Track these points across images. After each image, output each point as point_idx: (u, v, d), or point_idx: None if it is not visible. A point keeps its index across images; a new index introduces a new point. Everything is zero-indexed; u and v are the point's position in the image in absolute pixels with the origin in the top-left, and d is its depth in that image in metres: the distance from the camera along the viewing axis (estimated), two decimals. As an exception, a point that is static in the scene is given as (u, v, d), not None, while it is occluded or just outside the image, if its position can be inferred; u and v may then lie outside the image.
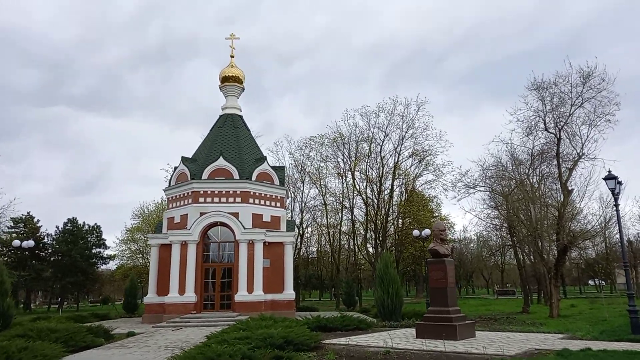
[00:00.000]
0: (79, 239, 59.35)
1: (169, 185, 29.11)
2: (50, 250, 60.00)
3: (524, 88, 27.15)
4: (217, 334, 13.80)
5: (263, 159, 29.43)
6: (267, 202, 28.45)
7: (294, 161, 43.55)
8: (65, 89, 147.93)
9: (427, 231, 31.13)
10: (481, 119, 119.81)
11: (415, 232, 31.82)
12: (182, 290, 25.45)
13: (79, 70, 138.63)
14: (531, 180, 31.97)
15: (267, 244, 27.14)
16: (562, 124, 26.32)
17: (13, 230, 59.11)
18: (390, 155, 38.88)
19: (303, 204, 44.64)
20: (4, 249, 56.06)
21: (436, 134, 37.96)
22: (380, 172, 38.61)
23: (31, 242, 28.54)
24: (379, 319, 21.37)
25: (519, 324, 20.76)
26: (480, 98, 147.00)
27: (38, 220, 61.65)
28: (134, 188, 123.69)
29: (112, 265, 66.56)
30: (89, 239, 62.47)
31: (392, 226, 42.98)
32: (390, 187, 39.07)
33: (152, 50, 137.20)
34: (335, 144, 40.64)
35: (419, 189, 42.76)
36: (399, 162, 38.72)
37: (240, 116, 31.90)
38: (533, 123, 26.80)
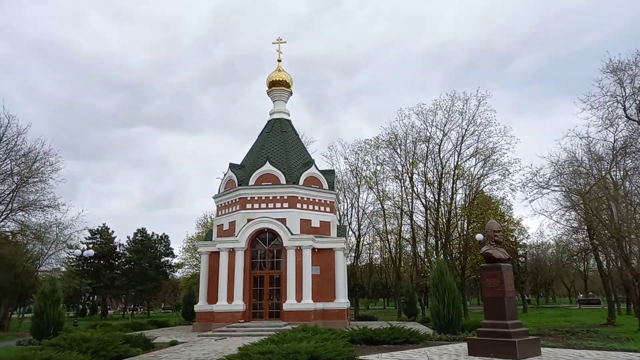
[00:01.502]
0: (148, 249, 61.91)
1: (218, 193, 28.87)
2: (122, 260, 63.08)
3: (598, 71, 23.97)
4: (245, 347, 12.79)
5: (311, 162, 28.41)
6: (316, 207, 27.34)
7: (349, 165, 42.26)
8: (143, 109, 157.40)
9: (479, 236, 28.55)
10: (554, 120, 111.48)
11: (479, 236, 29.30)
12: (230, 298, 24.90)
13: (155, 91, 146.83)
14: (614, 176, 28.41)
15: (316, 250, 25.99)
16: (646, 108, 22.94)
17: (90, 240, 62.82)
18: (451, 155, 36.44)
19: (360, 210, 43.17)
20: (76, 258, 59.69)
21: (500, 130, 34.99)
22: (440, 174, 36.22)
23: (91, 252, 29.43)
24: (435, 331, 19.46)
25: (600, 338, 18.01)
26: (551, 97, 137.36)
27: (112, 232, 64.89)
28: (206, 201, 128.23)
29: (180, 273, 69.11)
30: (158, 248, 65.04)
31: (456, 231, 40.25)
32: (451, 189, 36.53)
33: (219, 69, 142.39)
34: (391, 146, 38.83)
35: (485, 190, 39.67)
36: (460, 162, 36.13)
37: (289, 120, 31.21)
38: (610, 110, 23.56)
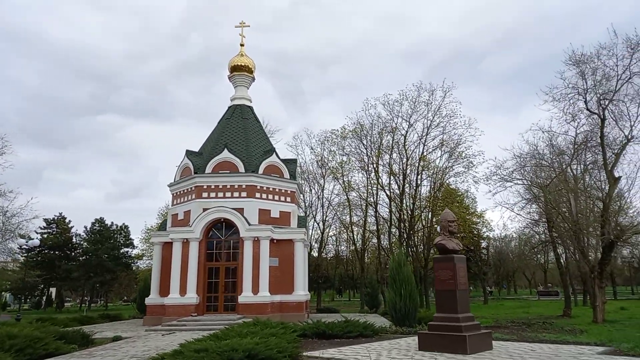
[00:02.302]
0: (106, 239, 59.62)
1: (174, 181, 27.59)
2: (79, 251, 60.56)
3: (561, 63, 23.87)
4: (184, 344, 11.87)
5: (271, 151, 27.45)
6: (276, 197, 26.46)
7: (315, 156, 41.48)
8: (115, 99, 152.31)
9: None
10: (524, 118, 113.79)
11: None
12: (183, 290, 23.85)
13: (128, 81, 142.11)
14: (574, 170, 28.64)
15: (275, 241, 25.16)
16: (606, 102, 22.95)
17: (45, 230, 60.12)
18: (416, 147, 36.12)
19: (326, 201, 42.53)
20: (25, 249, 57.04)
21: (465, 122, 34.86)
22: (404, 165, 35.87)
23: (36, 242, 27.86)
24: (392, 324, 19.01)
25: (555, 330, 17.92)
26: (524, 97, 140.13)
27: (70, 221, 62.32)
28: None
29: (142, 265, 66.99)
30: (117, 238, 62.79)
31: (420, 223, 40.14)
32: (416, 181, 36.26)
33: (195, 59, 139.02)
34: (357, 136, 38.21)
35: (450, 182, 39.62)
36: (425, 154, 35.85)
37: (250, 107, 30.06)
38: (571, 102, 23.52)
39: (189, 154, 26.79)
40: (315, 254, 46.37)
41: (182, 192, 26.69)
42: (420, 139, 35.65)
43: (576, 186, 26.36)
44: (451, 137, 35.14)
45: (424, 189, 38.98)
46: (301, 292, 25.54)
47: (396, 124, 35.94)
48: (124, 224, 64.08)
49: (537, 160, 28.36)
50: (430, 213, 39.40)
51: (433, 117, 34.94)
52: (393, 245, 40.82)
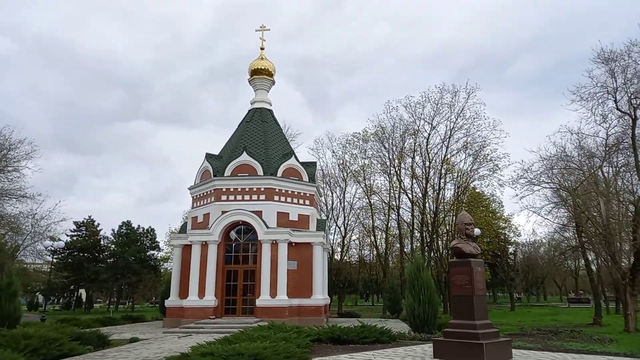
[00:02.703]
0: (133, 242, 60.62)
1: (194, 184, 27.74)
2: (106, 253, 61.80)
3: (589, 61, 22.89)
4: (195, 347, 11.75)
5: (290, 153, 27.30)
6: (294, 200, 26.27)
7: (337, 159, 41.18)
8: (144, 106, 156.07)
9: (477, 231, 27.57)
10: (554, 122, 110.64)
11: (477, 231, 28.29)
12: (201, 293, 23.86)
13: (156, 89, 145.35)
14: (605, 174, 27.52)
15: (293, 244, 24.95)
16: (637, 101, 21.92)
17: (75, 233, 61.65)
18: (439, 149, 35.42)
19: (347, 205, 42.15)
20: (54, 250, 58.54)
21: (489, 124, 34.01)
22: (427, 168, 35.19)
23: (61, 243, 28.37)
24: (411, 329, 18.49)
25: (583, 339, 17.03)
26: (553, 99, 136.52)
27: (98, 224, 63.67)
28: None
29: (167, 266, 67.87)
30: (144, 241, 63.80)
31: (444, 226, 39.30)
32: (438, 184, 35.51)
33: (221, 67, 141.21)
34: (379, 140, 37.73)
35: (474, 186, 38.68)
36: (448, 156, 35.11)
37: (270, 110, 30.02)
38: (600, 101, 22.54)
39: (208, 157, 26.91)
40: (338, 257, 46.04)
41: (201, 195, 26.81)
42: (443, 142, 34.97)
43: (607, 189, 25.29)
44: (475, 139, 34.36)
45: (448, 193, 38.23)
46: (319, 296, 25.23)
47: (418, 127, 35.39)
48: (150, 227, 65.04)
49: (566, 163, 27.36)
50: (454, 217, 38.55)
51: (456, 119, 34.28)
52: (415, 249, 40.11)
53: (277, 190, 25.54)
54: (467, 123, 34.11)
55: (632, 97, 21.92)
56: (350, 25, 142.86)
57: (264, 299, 23.52)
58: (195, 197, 27.59)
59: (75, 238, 60.78)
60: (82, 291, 69.97)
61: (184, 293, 24.96)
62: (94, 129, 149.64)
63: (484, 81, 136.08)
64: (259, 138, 27.61)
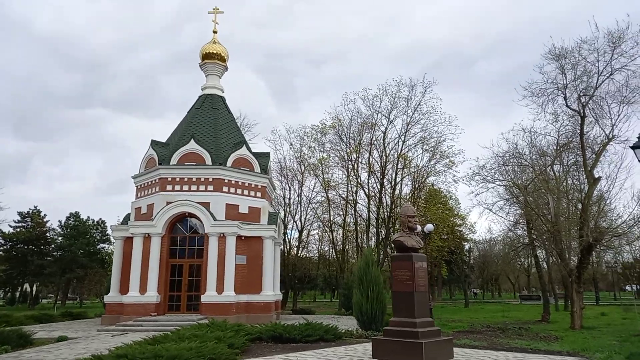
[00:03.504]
0: (81, 234, 57.77)
1: (138, 173, 26.23)
2: (53, 246, 58.73)
3: (540, 57, 22.90)
4: (116, 348, 10.66)
5: (241, 143, 26.17)
6: (245, 192, 25.22)
7: (294, 152, 40.28)
8: (102, 91, 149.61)
9: (429, 226, 27.37)
10: (512, 121, 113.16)
11: (429, 227, 28.05)
12: (143, 289, 22.52)
13: (116, 73, 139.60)
14: (556, 172, 27.88)
15: (242, 238, 23.92)
16: (586, 99, 22.06)
17: (20, 224, 58.35)
18: (395, 144, 35.12)
19: (305, 199, 41.36)
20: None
21: (445, 119, 33.94)
22: (384, 162, 34.83)
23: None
24: (359, 327, 17.92)
25: (530, 336, 16.97)
26: (514, 101, 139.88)
27: (45, 215, 60.53)
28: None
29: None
30: (93, 234, 60.99)
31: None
32: (394, 179, 35.26)
33: (186, 53, 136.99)
34: (336, 133, 37.09)
35: (430, 182, 38.71)
36: (404, 151, 34.85)
37: (222, 97, 28.71)
38: (550, 97, 22.61)
39: (154, 144, 25.45)
40: (295, 252, 45.22)
41: (146, 184, 25.36)
42: (399, 136, 34.68)
43: (557, 187, 25.55)
44: (431, 134, 34.24)
45: (405, 188, 38.07)
46: (269, 292, 24.33)
47: (375, 120, 34.95)
48: (100, 219, 62.28)
49: (518, 160, 27.55)
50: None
51: (413, 114, 34.01)
52: (365, 245, 39.75)
53: (226, 181, 24.42)
54: (424, 118, 33.99)
55: (581, 94, 22.05)
56: (322, 17, 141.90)
57: (209, 295, 22.43)
58: (139, 187, 26.09)
59: (18, 230, 57.59)
60: (28, 286, 66.43)
61: (125, 289, 23.54)
62: (48, 113, 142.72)
63: (450, 81, 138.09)
64: (209, 126, 26.33)
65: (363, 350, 12.15)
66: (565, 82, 21.88)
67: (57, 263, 55.95)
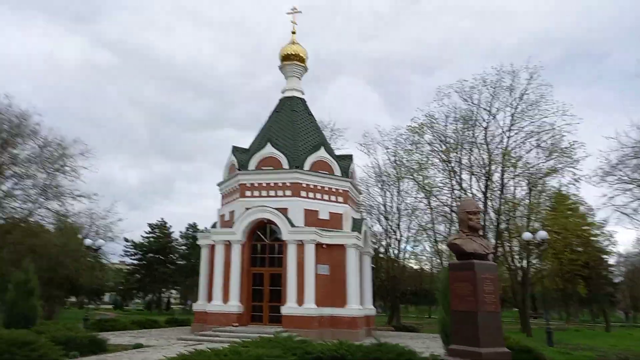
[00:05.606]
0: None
1: (222, 180, 26.31)
2: (176, 255, 63.62)
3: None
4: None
5: (319, 145, 24.80)
6: (325, 197, 23.75)
7: (390, 156, 37.89)
8: (229, 113, 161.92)
9: (542, 233, 23.28)
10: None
11: (527, 235, 24.02)
12: (225, 298, 22.17)
13: (240, 96, 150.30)
14: None
15: (324, 246, 22.45)
16: None
17: (150, 234, 64.11)
18: (500, 140, 30.94)
19: (402, 204, 38.69)
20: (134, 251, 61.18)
21: (558, 108, 29.01)
22: (488, 162, 30.79)
23: (101, 242, 28.36)
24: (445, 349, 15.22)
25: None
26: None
27: (170, 226, 65.72)
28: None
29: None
30: (210, 243, 64.58)
31: (516, 231, 34.26)
32: (500, 180, 30.96)
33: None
34: (433, 132, 33.82)
35: (546, 183, 33.26)
36: (509, 147, 30.45)
37: (302, 99, 27.67)
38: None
39: (235, 150, 25.24)
40: (400, 264, 42.59)
41: (228, 191, 25.27)
42: (503, 132, 30.51)
43: None
44: (542, 127, 29.54)
45: (516, 192, 33.25)
46: (354, 305, 22.32)
47: (474, 116, 31.21)
48: (214, 227, 65.85)
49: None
50: (527, 220, 33.49)
51: (517, 105, 29.71)
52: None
53: (304, 185, 23.21)
54: (532, 108, 29.43)
55: None
56: (427, 21, 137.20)
57: (290, 307, 21.26)
58: (223, 194, 26.14)
59: (150, 240, 63.26)
60: (172, 292, 72.72)
61: (211, 297, 23.44)
62: (181, 136, 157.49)
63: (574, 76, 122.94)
64: (287, 129, 25.43)
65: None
66: None
67: (179, 271, 60.42)
